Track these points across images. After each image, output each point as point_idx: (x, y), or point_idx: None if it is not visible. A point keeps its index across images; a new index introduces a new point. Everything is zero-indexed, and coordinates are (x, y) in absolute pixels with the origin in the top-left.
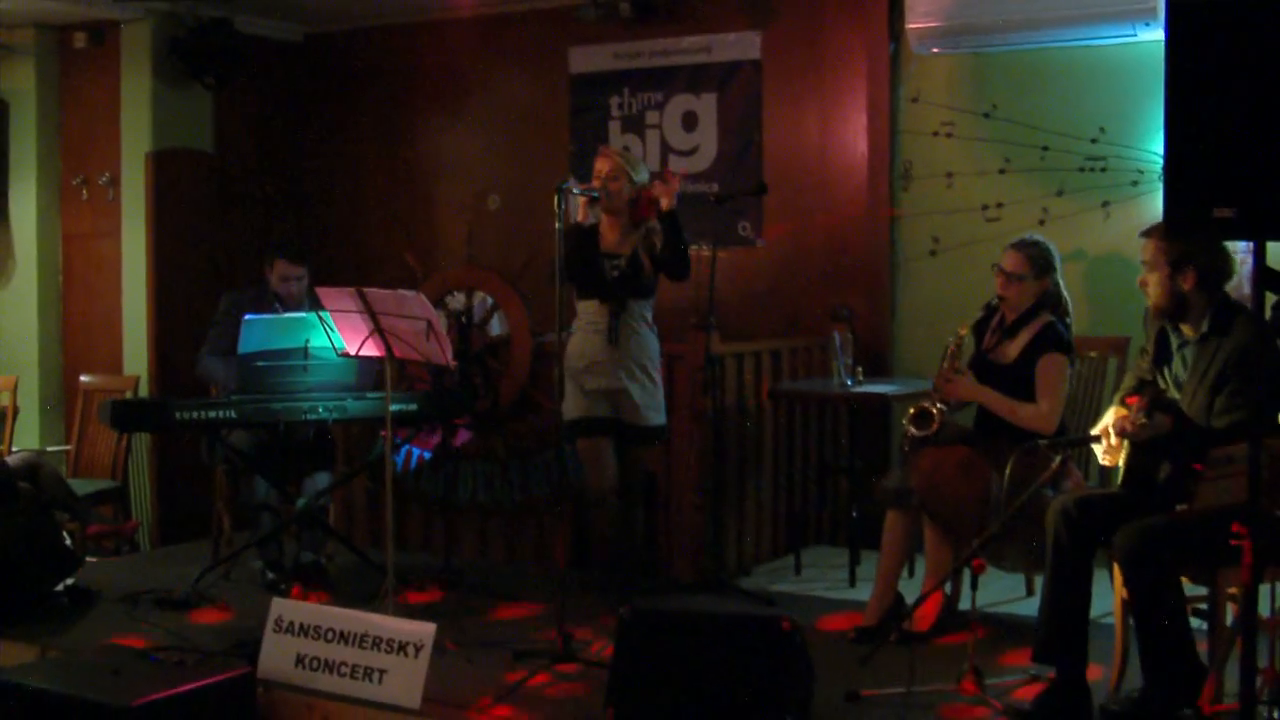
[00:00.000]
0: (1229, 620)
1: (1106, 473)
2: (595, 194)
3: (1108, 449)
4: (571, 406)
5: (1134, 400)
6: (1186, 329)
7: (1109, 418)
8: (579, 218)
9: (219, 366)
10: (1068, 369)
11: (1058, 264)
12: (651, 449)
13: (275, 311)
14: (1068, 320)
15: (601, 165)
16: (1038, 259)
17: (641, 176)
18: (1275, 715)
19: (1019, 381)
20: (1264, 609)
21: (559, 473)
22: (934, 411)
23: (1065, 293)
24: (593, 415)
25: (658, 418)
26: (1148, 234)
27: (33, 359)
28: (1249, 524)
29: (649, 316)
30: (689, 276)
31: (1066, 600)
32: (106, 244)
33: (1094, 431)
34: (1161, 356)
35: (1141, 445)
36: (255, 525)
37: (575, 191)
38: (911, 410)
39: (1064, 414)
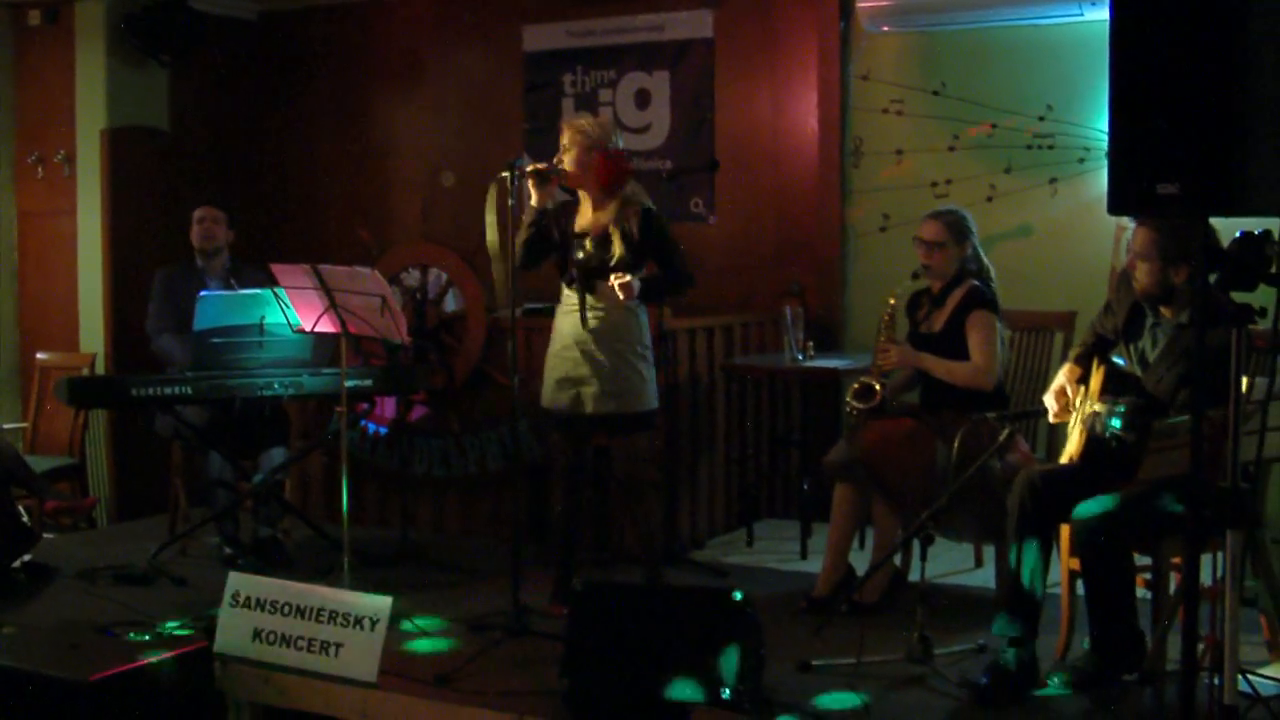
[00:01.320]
0: (1172, 589)
1: (1053, 444)
2: (550, 171)
3: (1058, 411)
4: (544, 393)
5: (1101, 389)
6: (1166, 311)
7: (1062, 377)
8: (533, 202)
9: (175, 345)
10: (997, 324)
11: (974, 229)
12: (643, 435)
13: (208, 283)
14: (992, 285)
15: (562, 137)
16: (954, 225)
17: (602, 141)
18: (1216, 681)
19: (951, 347)
20: (1206, 578)
21: (513, 447)
22: (875, 385)
23: (985, 258)
24: (554, 408)
25: (639, 404)
26: (1141, 222)
27: None
28: (1191, 495)
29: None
30: (687, 290)
31: (1026, 571)
32: (62, 222)
33: (1047, 395)
34: (1131, 330)
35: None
36: (211, 501)
37: (530, 168)
38: (855, 386)
39: (1009, 386)
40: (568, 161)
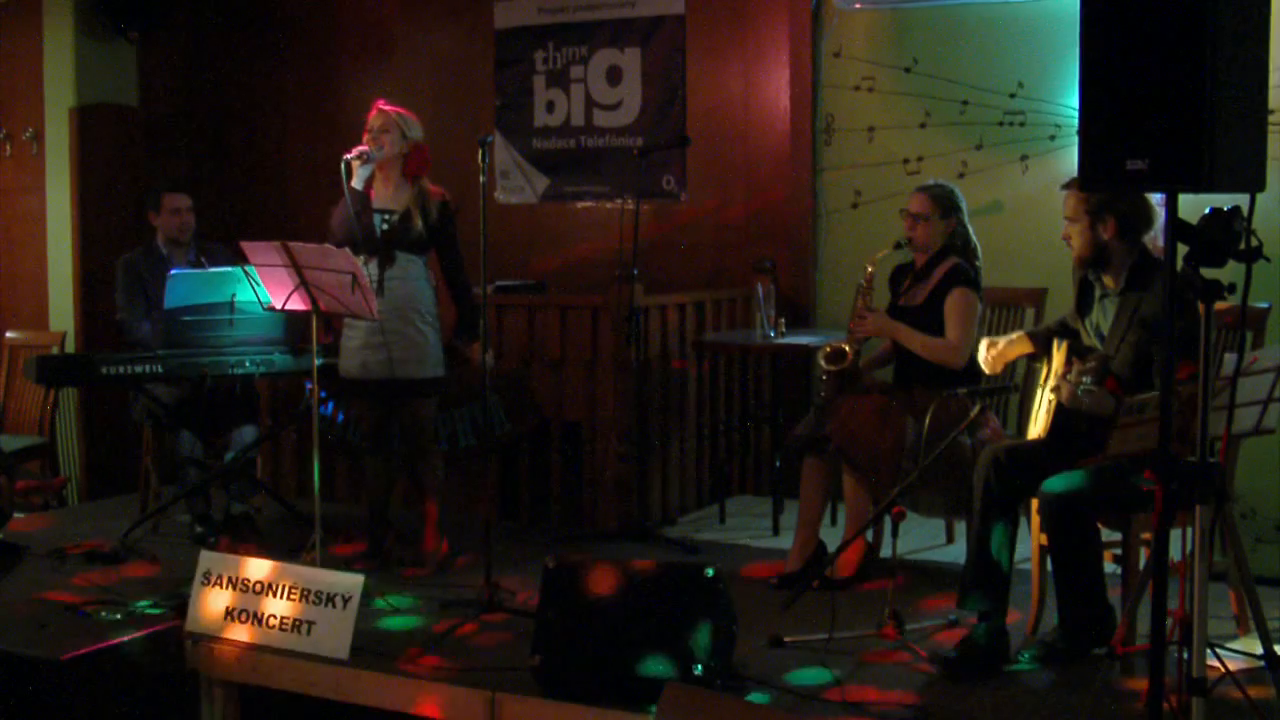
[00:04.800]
0: (1141, 564)
1: (1023, 421)
2: (370, 155)
3: (992, 356)
4: (343, 361)
5: (1071, 357)
6: (1108, 280)
7: (1004, 341)
8: (352, 182)
9: (151, 331)
10: (977, 304)
11: (963, 206)
12: (427, 401)
13: (168, 265)
14: (977, 264)
15: (372, 121)
16: (941, 199)
17: (414, 133)
18: (1184, 655)
19: (930, 322)
20: (1174, 553)
21: (484, 423)
22: (846, 349)
23: (973, 236)
24: (348, 375)
25: (425, 370)
26: (1068, 186)
27: None
28: (1160, 470)
29: (423, 271)
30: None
31: (993, 547)
32: (31, 199)
33: (983, 349)
34: (1084, 306)
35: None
36: (181, 479)
37: (347, 157)
38: (826, 348)
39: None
40: (386, 144)
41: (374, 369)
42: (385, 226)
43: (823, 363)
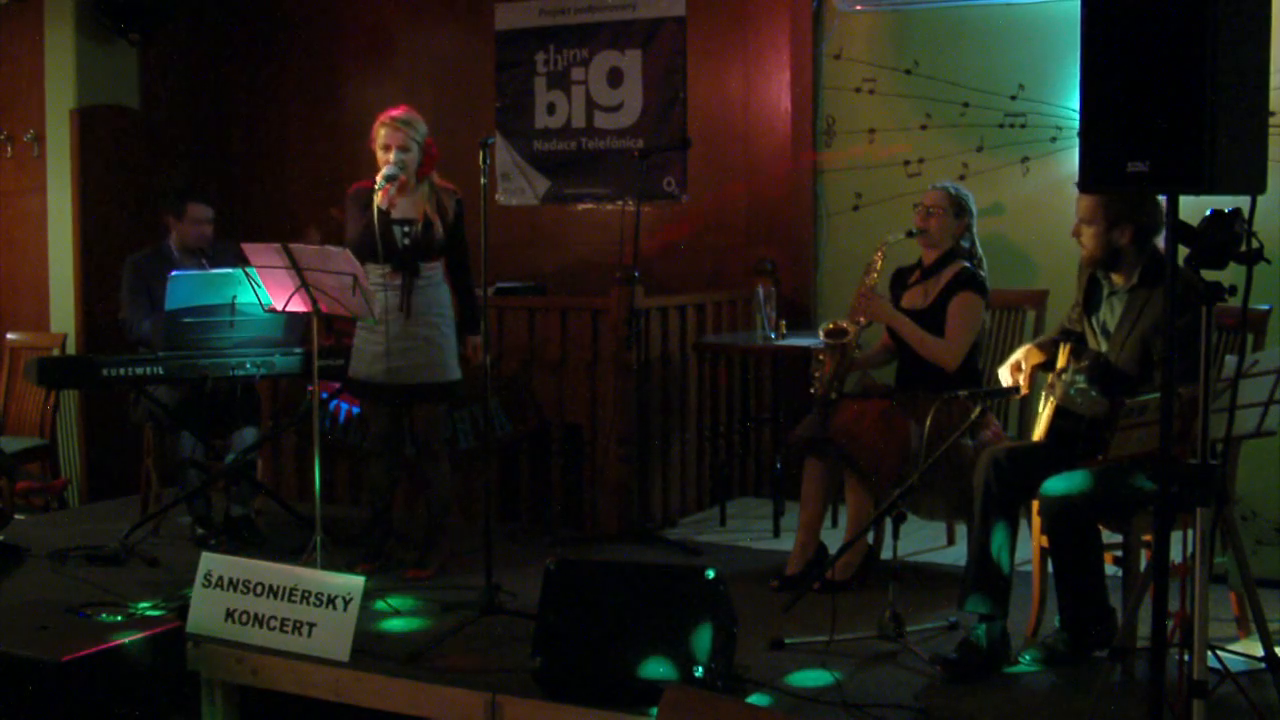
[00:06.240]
0: (1142, 565)
1: (1024, 423)
2: (396, 176)
3: (1013, 381)
4: (360, 365)
5: (1063, 356)
6: (1117, 278)
7: (1019, 354)
8: (380, 203)
9: (152, 331)
10: (980, 311)
11: (974, 212)
12: (441, 403)
13: (177, 269)
14: (982, 273)
15: (390, 138)
16: (956, 198)
17: (422, 133)
18: (1185, 657)
19: (934, 325)
20: (1175, 555)
21: (485, 425)
22: (848, 327)
23: (980, 248)
24: (367, 379)
25: (447, 374)
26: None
27: None
28: (1160, 472)
29: (441, 273)
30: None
31: (994, 549)
32: (32, 201)
33: (1002, 369)
34: (1091, 303)
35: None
36: (182, 481)
37: (380, 184)
38: (829, 325)
39: (980, 363)
40: (410, 162)
41: (399, 375)
42: (407, 241)
43: (822, 336)
